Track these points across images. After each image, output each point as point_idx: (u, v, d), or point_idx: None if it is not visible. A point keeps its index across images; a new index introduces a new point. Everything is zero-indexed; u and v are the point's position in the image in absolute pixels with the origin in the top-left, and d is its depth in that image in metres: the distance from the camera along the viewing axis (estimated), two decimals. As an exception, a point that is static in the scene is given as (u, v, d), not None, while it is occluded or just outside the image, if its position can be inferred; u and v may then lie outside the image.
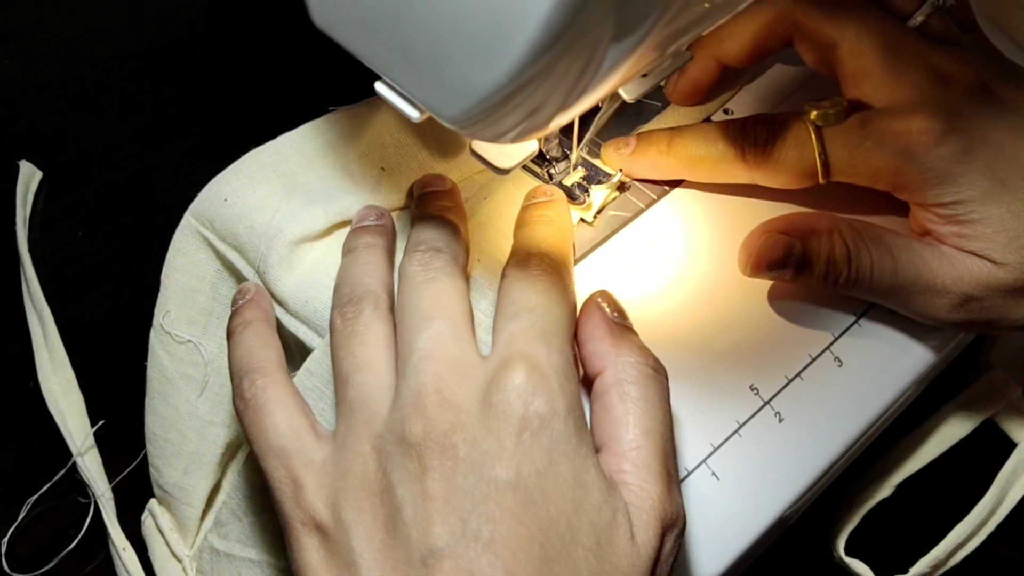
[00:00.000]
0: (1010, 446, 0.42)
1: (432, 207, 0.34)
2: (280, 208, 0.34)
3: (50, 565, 0.39)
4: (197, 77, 0.57)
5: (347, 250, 0.33)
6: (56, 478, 0.40)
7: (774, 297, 0.36)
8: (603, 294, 0.31)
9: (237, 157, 0.53)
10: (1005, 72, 0.34)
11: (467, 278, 0.32)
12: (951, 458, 0.42)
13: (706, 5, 0.24)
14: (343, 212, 0.35)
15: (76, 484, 0.41)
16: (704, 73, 0.38)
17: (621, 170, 0.37)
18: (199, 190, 0.44)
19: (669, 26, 0.24)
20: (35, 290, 0.46)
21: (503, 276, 0.32)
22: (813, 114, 0.34)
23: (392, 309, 0.31)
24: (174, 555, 0.37)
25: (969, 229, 0.32)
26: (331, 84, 0.30)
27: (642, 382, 0.29)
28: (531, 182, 0.37)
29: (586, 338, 0.30)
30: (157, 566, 0.37)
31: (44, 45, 0.58)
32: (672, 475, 0.28)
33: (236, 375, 0.31)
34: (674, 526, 0.27)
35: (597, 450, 0.28)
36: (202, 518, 0.37)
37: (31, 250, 0.49)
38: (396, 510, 0.26)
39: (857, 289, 0.34)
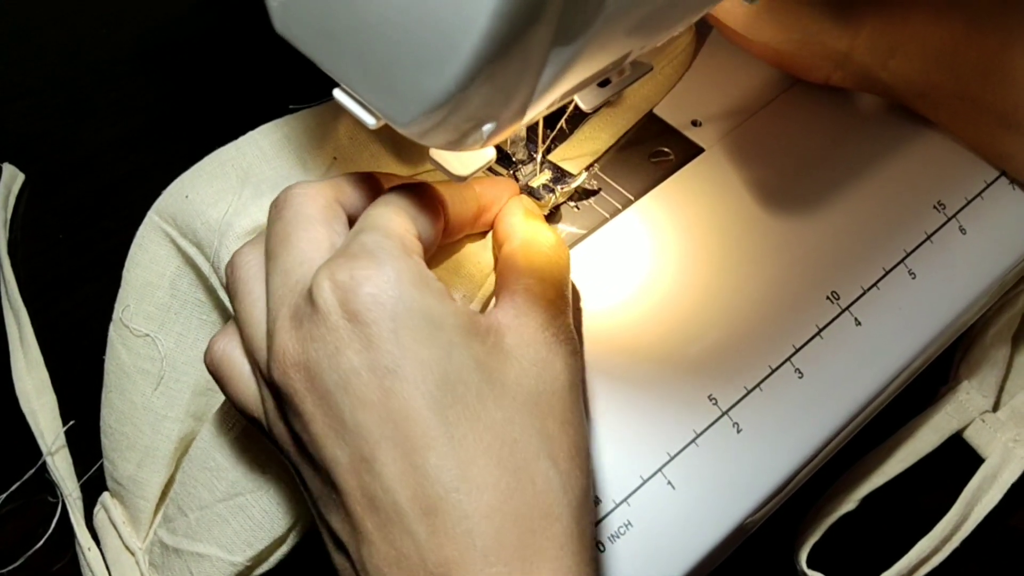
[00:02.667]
0: (977, 462, 0.42)
1: None
2: (233, 203, 0.34)
3: (17, 563, 0.40)
4: (183, 82, 0.58)
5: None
6: (25, 478, 0.41)
7: (735, 305, 0.36)
8: (522, 198, 0.35)
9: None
10: None
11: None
12: (917, 473, 0.42)
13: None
14: None
15: (46, 484, 0.42)
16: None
17: (587, 169, 0.38)
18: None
19: (614, 34, 0.25)
20: (12, 291, 0.47)
21: None
22: None
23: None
24: (127, 548, 0.37)
25: None
26: (319, 89, 0.30)
27: (542, 246, 0.31)
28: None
29: (502, 215, 0.33)
30: (109, 558, 0.37)
31: (29, 49, 0.59)
32: (562, 308, 0.30)
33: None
34: (564, 338, 0.29)
35: (497, 297, 0.30)
36: (156, 512, 0.37)
37: (11, 252, 0.49)
38: (298, 438, 0.27)
39: None
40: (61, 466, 0.41)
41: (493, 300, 0.33)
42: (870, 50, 0.38)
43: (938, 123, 0.40)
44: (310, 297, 0.26)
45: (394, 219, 0.29)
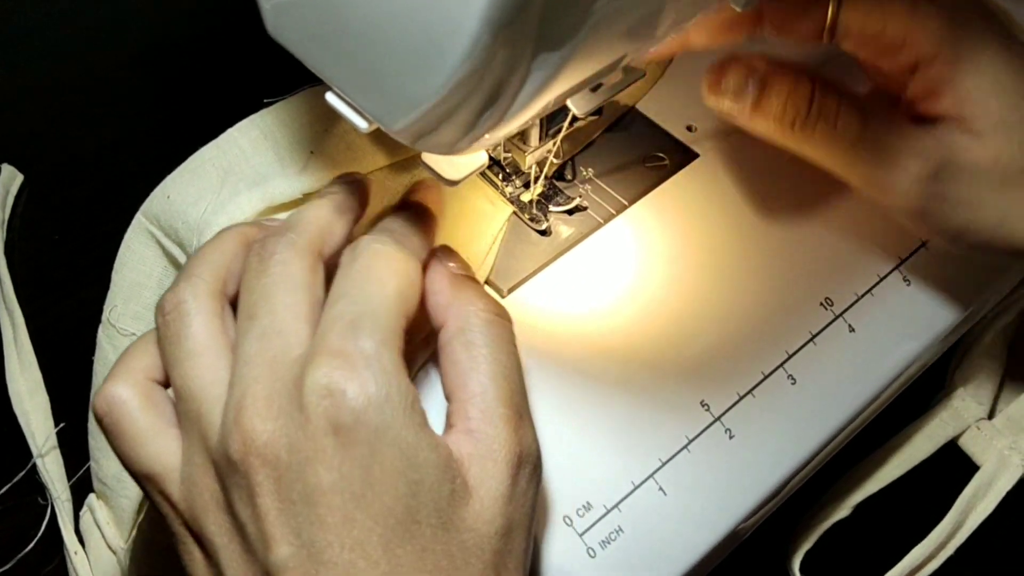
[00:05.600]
0: (972, 469, 0.42)
1: (317, 195, 0.32)
2: (212, 201, 0.34)
3: (7, 566, 0.40)
4: (181, 84, 0.58)
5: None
6: (15, 480, 0.41)
7: (728, 311, 0.36)
8: (443, 248, 0.31)
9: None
10: None
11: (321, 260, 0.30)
12: (912, 480, 0.42)
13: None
14: (270, 198, 0.34)
15: (37, 486, 0.42)
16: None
17: (580, 196, 0.38)
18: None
19: (604, 39, 0.25)
20: (8, 291, 0.47)
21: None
22: None
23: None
24: (109, 547, 0.37)
25: (948, 88, 0.31)
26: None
27: (483, 328, 0.28)
28: (482, 185, 0.38)
29: (428, 293, 0.30)
30: (92, 557, 0.37)
31: (29, 51, 0.59)
32: (521, 413, 0.28)
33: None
34: (525, 463, 0.27)
35: (448, 400, 0.28)
36: (139, 510, 0.37)
37: (7, 253, 0.49)
38: (242, 527, 0.26)
39: (817, 137, 0.33)
40: (52, 468, 0.41)
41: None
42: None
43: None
44: (299, 393, 0.25)
45: (393, 309, 0.27)
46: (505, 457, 0.27)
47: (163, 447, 0.28)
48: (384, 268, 0.28)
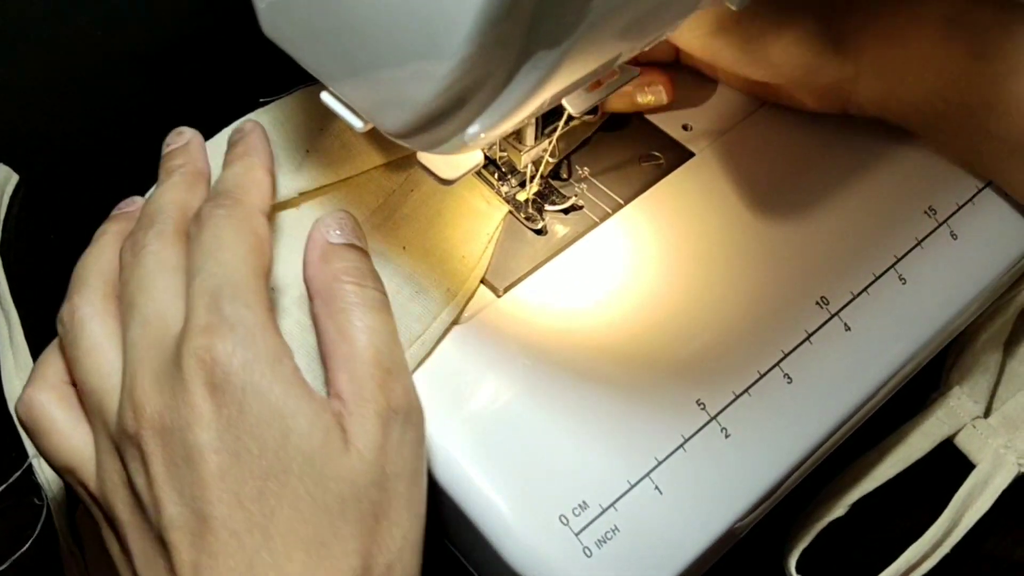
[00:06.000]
0: (967, 468, 0.42)
1: (164, 171, 0.35)
2: None
3: (3, 567, 0.39)
4: (178, 84, 0.58)
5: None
6: (10, 480, 0.40)
7: (725, 310, 0.36)
8: (332, 214, 0.32)
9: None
10: None
11: (186, 237, 0.31)
12: (908, 478, 0.42)
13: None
14: None
15: (34, 486, 0.41)
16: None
17: (576, 195, 0.38)
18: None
19: (600, 38, 0.25)
20: (3, 291, 0.47)
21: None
22: None
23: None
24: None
25: None
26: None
27: (346, 295, 0.30)
28: (478, 185, 0.38)
29: (305, 262, 0.31)
30: (88, 558, 0.37)
31: (26, 49, 0.59)
32: (390, 369, 0.29)
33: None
34: (395, 414, 0.29)
35: (324, 368, 0.30)
36: None
37: (3, 253, 0.49)
38: (139, 497, 0.27)
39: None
40: (48, 468, 0.41)
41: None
42: (876, 78, 0.38)
43: (944, 151, 0.40)
44: (178, 364, 0.27)
45: (247, 272, 0.29)
46: (374, 410, 0.28)
47: (77, 441, 0.30)
48: (230, 233, 0.30)
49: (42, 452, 0.30)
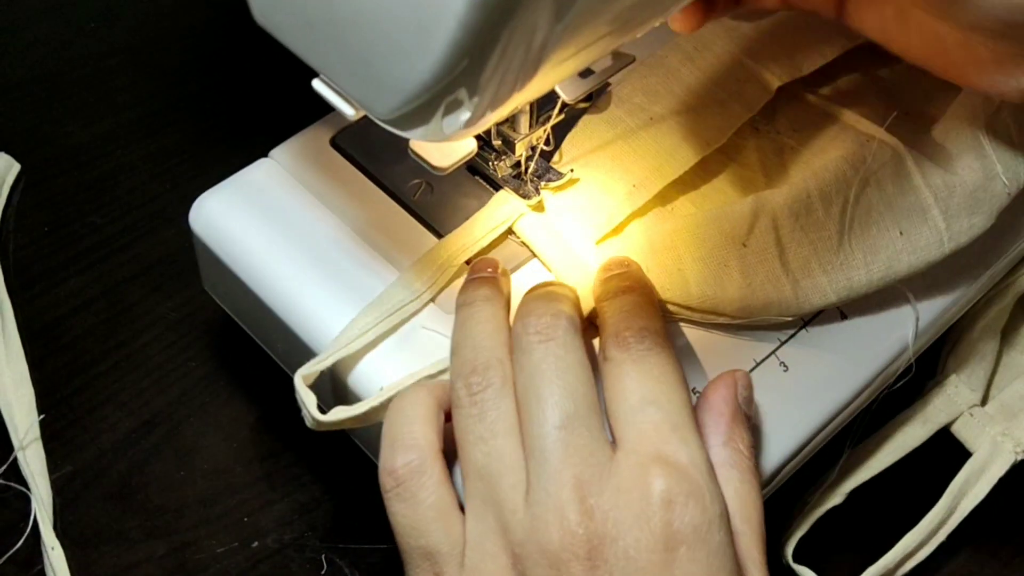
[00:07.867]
0: (964, 456, 0.42)
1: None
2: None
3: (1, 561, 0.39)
4: (173, 77, 0.58)
5: (462, 303, 0.31)
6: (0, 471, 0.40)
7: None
8: (744, 375, 0.31)
9: (209, 159, 0.53)
10: None
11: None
12: (904, 467, 0.42)
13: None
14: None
15: (24, 480, 0.41)
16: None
17: (572, 169, 0.37)
18: (169, 191, 0.42)
19: (593, 24, 0.24)
20: (-3, 282, 0.46)
21: (603, 357, 0.30)
22: None
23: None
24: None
25: None
26: (308, 86, 0.30)
27: (741, 475, 0.29)
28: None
29: (708, 406, 0.30)
30: None
31: (20, 42, 0.59)
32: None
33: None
34: None
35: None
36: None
37: (1, 243, 0.49)
38: None
39: None
40: (33, 461, 0.41)
41: None
42: None
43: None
44: (645, 486, 0.25)
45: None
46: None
47: (452, 526, 0.27)
48: (673, 368, 0.29)
49: (405, 524, 0.28)
